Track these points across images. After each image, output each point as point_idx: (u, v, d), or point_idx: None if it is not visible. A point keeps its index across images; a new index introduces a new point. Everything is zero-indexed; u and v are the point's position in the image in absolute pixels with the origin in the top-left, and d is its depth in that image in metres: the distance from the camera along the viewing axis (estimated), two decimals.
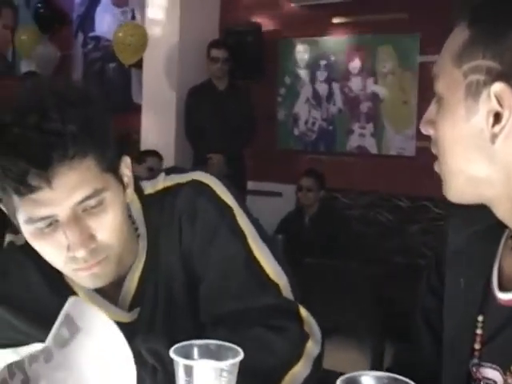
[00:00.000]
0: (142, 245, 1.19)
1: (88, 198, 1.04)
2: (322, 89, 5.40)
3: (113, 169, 1.09)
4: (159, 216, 1.20)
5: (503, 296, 0.99)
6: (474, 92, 0.89)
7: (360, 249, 4.58)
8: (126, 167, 1.14)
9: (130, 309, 1.19)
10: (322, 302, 3.37)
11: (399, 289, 3.31)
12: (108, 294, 1.18)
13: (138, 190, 1.19)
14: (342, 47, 5.30)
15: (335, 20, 5.34)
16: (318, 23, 5.40)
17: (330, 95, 5.37)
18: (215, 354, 0.85)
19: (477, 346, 1.01)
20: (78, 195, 1.03)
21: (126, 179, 1.13)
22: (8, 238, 1.23)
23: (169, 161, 5.14)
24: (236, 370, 0.84)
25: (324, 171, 4.76)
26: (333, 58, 5.34)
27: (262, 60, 5.59)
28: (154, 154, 4.66)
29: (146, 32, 5.53)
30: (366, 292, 3.41)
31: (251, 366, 1.06)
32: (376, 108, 5.13)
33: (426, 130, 0.99)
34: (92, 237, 1.06)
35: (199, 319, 1.19)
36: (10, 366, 0.96)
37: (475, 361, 1.00)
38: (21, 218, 1.05)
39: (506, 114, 0.87)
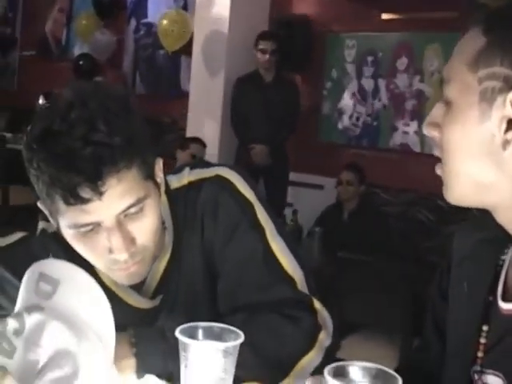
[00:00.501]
0: (168, 237, 1.23)
1: (132, 206, 1.08)
2: (368, 84, 5.39)
3: (151, 175, 1.13)
4: (183, 210, 1.24)
5: (506, 306, 0.99)
6: (488, 98, 0.89)
7: (397, 246, 4.57)
8: (160, 169, 1.18)
9: (153, 296, 1.24)
10: (355, 297, 3.40)
11: (432, 288, 3.28)
12: None
13: (165, 184, 1.23)
14: (390, 44, 5.27)
15: (385, 16, 5.32)
16: (367, 18, 5.38)
17: (376, 91, 5.36)
18: (218, 336, 0.91)
19: (480, 354, 1.01)
20: (124, 204, 1.07)
21: (158, 180, 1.17)
22: (40, 225, 1.28)
23: (213, 148, 5.20)
24: (236, 352, 0.89)
25: (366, 166, 4.74)
26: (380, 54, 5.32)
27: (310, 53, 5.60)
28: (198, 141, 4.73)
29: (189, 19, 5.54)
30: (399, 289, 3.40)
31: (263, 351, 1.12)
32: (421, 106, 5.09)
33: (428, 132, 0.98)
34: (133, 240, 1.10)
35: (217, 310, 1.23)
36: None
37: (477, 368, 1.01)
38: (63, 222, 1.09)
39: None
